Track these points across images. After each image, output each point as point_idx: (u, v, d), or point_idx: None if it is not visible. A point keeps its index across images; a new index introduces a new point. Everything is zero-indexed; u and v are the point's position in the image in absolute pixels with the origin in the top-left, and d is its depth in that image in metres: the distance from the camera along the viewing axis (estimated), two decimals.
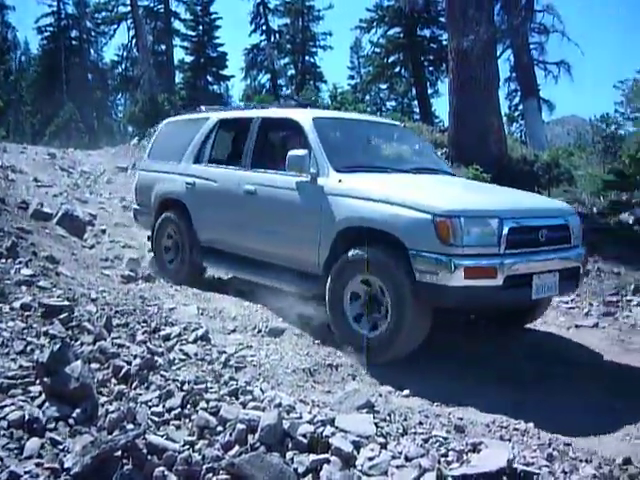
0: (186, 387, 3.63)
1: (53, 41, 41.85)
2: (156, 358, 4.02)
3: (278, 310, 5.77)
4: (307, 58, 40.67)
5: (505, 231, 4.62)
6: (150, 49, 35.80)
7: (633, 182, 11.14)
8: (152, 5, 38.68)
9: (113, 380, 3.70)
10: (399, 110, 33.14)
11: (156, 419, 3.27)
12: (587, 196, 11.79)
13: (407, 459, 3.03)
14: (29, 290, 4.84)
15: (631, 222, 10.79)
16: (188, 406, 3.43)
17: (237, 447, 3.03)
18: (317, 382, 4.41)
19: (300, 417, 3.32)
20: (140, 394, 3.54)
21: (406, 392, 4.37)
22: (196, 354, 4.32)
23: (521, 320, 6.05)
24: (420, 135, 11.39)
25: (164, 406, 3.42)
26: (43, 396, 3.24)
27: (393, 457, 3.04)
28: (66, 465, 2.71)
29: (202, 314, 5.59)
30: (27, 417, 3.01)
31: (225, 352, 4.50)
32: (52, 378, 3.25)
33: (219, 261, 6.78)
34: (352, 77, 42.47)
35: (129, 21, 37.23)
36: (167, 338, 4.61)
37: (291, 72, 41.09)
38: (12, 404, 3.13)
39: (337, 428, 3.24)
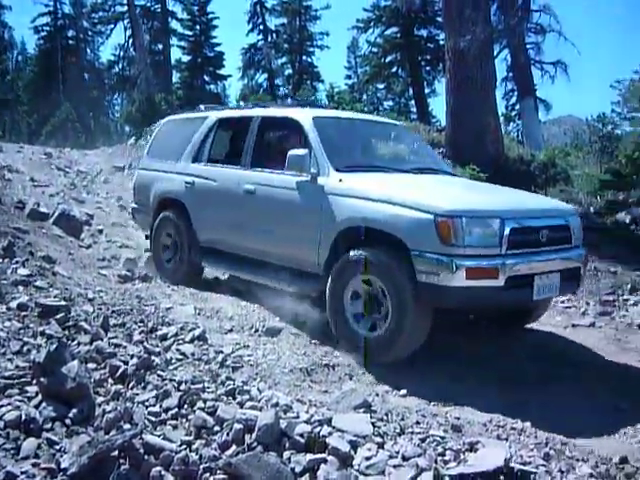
0: (183, 387, 3.62)
1: (50, 41, 41.75)
2: (153, 358, 4.02)
3: (275, 310, 5.76)
4: (304, 58, 40.63)
5: (507, 231, 4.61)
6: (147, 49, 35.76)
7: (630, 182, 11.17)
8: (149, 5, 38.65)
9: (110, 380, 3.70)
10: (396, 110, 33.15)
11: (153, 419, 3.27)
12: (584, 196, 11.82)
13: (404, 458, 3.04)
14: (26, 290, 4.84)
15: (628, 222, 10.82)
16: (185, 406, 3.42)
17: (234, 447, 3.03)
18: (314, 382, 4.41)
19: (297, 417, 3.33)
20: (137, 394, 3.54)
21: (403, 392, 4.37)
22: (193, 354, 4.32)
23: (522, 320, 6.04)
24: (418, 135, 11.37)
25: (161, 406, 3.42)
26: (40, 396, 3.24)
27: (390, 457, 3.04)
28: (63, 465, 2.70)
29: (199, 314, 5.59)
30: (24, 417, 3.01)
31: (222, 352, 4.50)
32: (49, 378, 3.24)
33: (218, 261, 6.75)
34: (349, 77, 42.49)
35: (126, 21, 37.15)
36: (164, 338, 4.61)
37: (288, 72, 41.07)
38: (9, 404, 3.13)
39: (334, 428, 3.24)
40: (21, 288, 4.84)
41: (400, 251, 4.73)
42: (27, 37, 74.66)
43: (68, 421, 3.10)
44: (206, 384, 3.72)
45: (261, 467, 2.81)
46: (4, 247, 5.79)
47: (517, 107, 27.50)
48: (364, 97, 33.52)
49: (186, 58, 40.67)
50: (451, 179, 6.31)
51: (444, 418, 3.84)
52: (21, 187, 10.60)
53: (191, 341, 4.61)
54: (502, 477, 2.94)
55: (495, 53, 14.74)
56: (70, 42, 42.97)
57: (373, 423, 3.40)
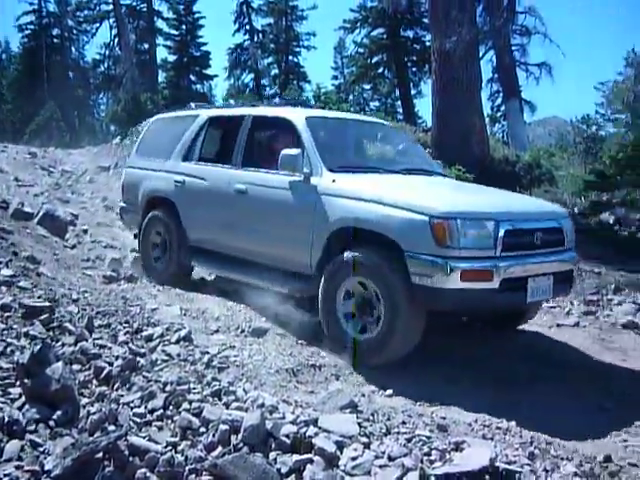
0: (169, 388, 3.61)
1: (34, 39, 41.46)
2: (138, 359, 4.00)
3: (261, 310, 5.75)
4: (291, 58, 40.63)
5: (501, 233, 4.59)
6: (133, 48, 35.60)
7: (614, 182, 11.27)
8: (135, 4, 38.49)
9: (94, 381, 3.68)
10: (382, 110, 33.18)
11: (138, 420, 3.25)
12: (568, 196, 11.93)
13: (390, 459, 3.04)
14: (9, 291, 4.79)
15: (611, 222, 10.94)
16: (171, 407, 3.41)
17: (220, 448, 3.03)
18: (300, 382, 4.40)
19: (283, 417, 3.32)
20: (122, 395, 3.52)
21: (389, 392, 4.38)
22: (179, 355, 4.30)
23: (515, 322, 6.05)
24: None
25: (146, 407, 3.40)
26: (23, 398, 3.22)
27: (376, 457, 3.05)
28: (46, 467, 2.68)
29: (185, 314, 5.56)
30: (7, 419, 2.98)
31: (208, 353, 4.48)
32: (32, 380, 3.22)
33: (208, 261, 6.69)
34: (336, 77, 42.53)
35: (111, 20, 37.00)
36: (149, 339, 4.58)
37: (275, 72, 41.05)
38: None
39: (320, 428, 3.24)
40: (4, 289, 4.80)
41: (394, 252, 4.70)
42: (11, 36, 74.19)
43: (52, 423, 3.08)
44: (192, 385, 3.71)
45: (247, 468, 2.81)
46: None
47: (502, 108, 27.69)
48: (350, 97, 33.63)
49: (172, 57, 40.58)
50: (443, 180, 6.33)
51: (430, 418, 3.85)
52: (5, 187, 10.52)
53: (177, 342, 4.58)
54: (487, 476, 2.95)
55: (481, 54, 14.83)
56: (55, 41, 42.70)
57: (359, 423, 3.40)
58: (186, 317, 5.49)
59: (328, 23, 75.99)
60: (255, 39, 39.98)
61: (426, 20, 25.30)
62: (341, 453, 3.05)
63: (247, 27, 39.86)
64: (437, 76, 13.33)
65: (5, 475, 2.61)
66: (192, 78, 41.05)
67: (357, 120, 7.37)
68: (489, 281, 4.53)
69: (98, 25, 38.28)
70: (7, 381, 3.36)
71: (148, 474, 2.78)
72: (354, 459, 3.00)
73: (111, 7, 36.42)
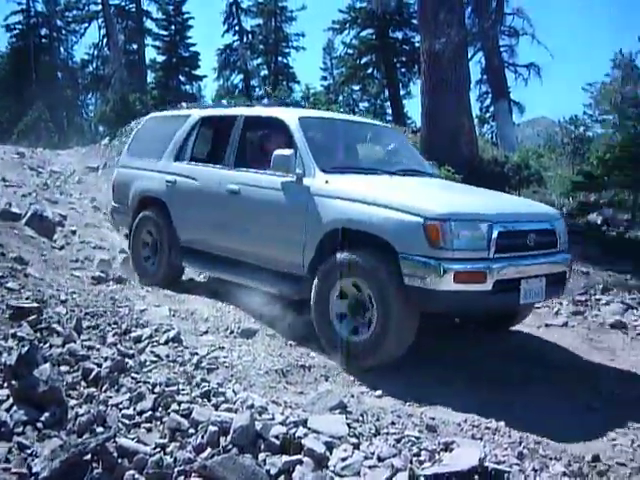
0: (157, 389, 3.60)
1: (22, 39, 41.17)
2: (127, 360, 3.98)
3: (251, 311, 5.74)
4: (280, 59, 40.54)
5: (495, 235, 4.58)
6: (121, 48, 35.43)
7: (601, 183, 11.33)
8: (123, 4, 38.27)
9: (83, 383, 3.66)
10: (372, 111, 33.25)
11: (127, 422, 3.24)
12: (556, 197, 11.98)
13: (380, 459, 3.05)
14: None
15: (599, 222, 11.00)
16: (159, 408, 3.40)
17: (209, 449, 3.02)
18: (290, 383, 4.40)
19: (273, 418, 3.32)
20: (110, 397, 3.51)
21: (379, 392, 4.38)
22: (168, 356, 4.28)
23: (507, 323, 6.06)
24: None
25: (135, 409, 3.39)
26: (11, 399, 3.20)
27: (366, 457, 3.05)
28: (34, 470, 2.67)
29: (174, 315, 5.55)
30: None
31: (197, 354, 4.47)
32: (20, 381, 3.21)
33: (199, 262, 6.66)
34: (325, 78, 42.47)
35: (100, 20, 36.78)
36: (138, 340, 4.57)
37: (264, 73, 40.93)
38: None
39: (310, 429, 3.24)
40: None
41: (387, 254, 4.68)
42: None
43: (40, 425, 3.06)
44: (181, 386, 3.70)
45: (236, 469, 2.81)
46: None
47: (491, 109, 27.78)
48: (340, 98, 33.58)
49: (161, 58, 40.39)
50: (436, 181, 6.33)
51: (419, 418, 3.86)
52: None
53: (166, 343, 4.57)
54: (477, 476, 2.96)
55: (469, 56, 14.94)
56: (43, 41, 42.43)
57: (349, 424, 3.41)
58: (175, 318, 5.48)
59: (317, 24, 76.24)
60: (244, 40, 39.89)
61: (415, 21, 25.41)
62: (330, 454, 3.06)
63: (236, 28, 39.77)
64: (426, 77, 13.35)
65: None
66: (181, 79, 40.89)
67: (350, 121, 7.37)
68: (482, 283, 4.52)
69: (87, 25, 38.10)
70: None
71: (137, 476, 2.77)
72: (343, 460, 3.00)
73: (100, 7, 36.21)
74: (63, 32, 42.56)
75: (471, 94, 14.47)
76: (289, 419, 3.31)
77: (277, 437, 3.12)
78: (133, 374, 3.80)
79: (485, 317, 5.82)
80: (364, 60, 31.45)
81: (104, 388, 3.61)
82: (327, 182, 5.31)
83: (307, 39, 44.07)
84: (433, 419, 3.90)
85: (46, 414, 3.12)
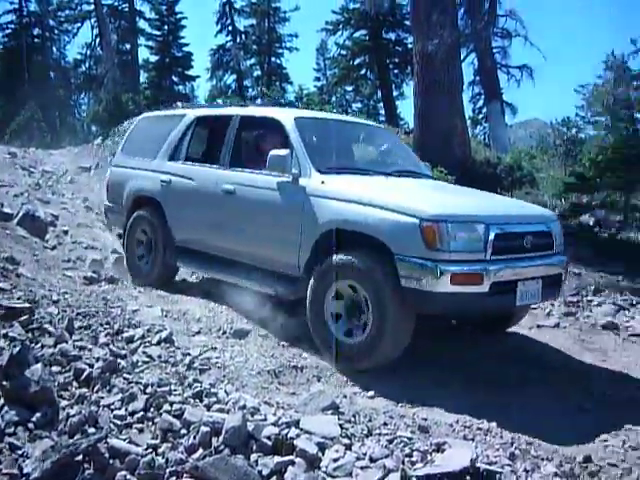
0: (149, 390, 3.59)
1: (14, 39, 41.00)
2: (119, 360, 3.98)
3: (243, 311, 5.73)
4: (273, 59, 40.50)
5: (491, 237, 4.58)
6: (114, 48, 35.35)
7: (593, 185, 11.37)
8: (116, 4, 38.18)
9: (74, 383, 3.65)
10: (365, 112, 33.25)
11: (118, 422, 3.23)
12: (549, 198, 12.02)
13: (372, 460, 3.05)
14: None
15: (591, 224, 11.06)
16: (151, 409, 3.39)
17: (201, 450, 3.02)
18: (282, 384, 4.40)
19: (265, 419, 3.32)
20: (102, 397, 3.50)
21: (371, 393, 4.38)
22: (160, 356, 4.28)
23: (503, 325, 6.06)
24: None
25: (127, 409, 3.38)
26: (2, 400, 3.18)
27: (358, 458, 3.06)
28: (25, 470, 2.66)
29: (166, 316, 5.54)
30: None
31: (189, 354, 4.46)
32: (11, 381, 3.19)
33: (194, 262, 6.63)
34: (318, 79, 42.45)
35: (93, 19, 36.69)
36: (130, 340, 4.56)
37: (257, 73, 40.89)
38: None
39: (302, 430, 3.24)
40: None
41: (383, 255, 4.67)
42: None
43: (31, 425, 3.05)
44: (173, 387, 3.69)
45: (228, 470, 2.80)
46: None
47: (484, 110, 27.82)
48: (333, 99, 33.56)
49: (154, 58, 40.27)
50: (433, 183, 6.33)
51: (411, 419, 3.86)
52: None
53: (158, 343, 4.56)
54: (468, 477, 2.97)
55: (462, 57, 14.94)
56: (36, 40, 42.26)
57: (341, 425, 3.41)
58: (167, 318, 5.47)
59: (310, 25, 76.21)
60: (237, 40, 39.85)
61: (408, 22, 25.41)
62: (323, 455, 3.06)
63: (229, 28, 39.73)
64: (419, 78, 13.37)
65: None
66: (174, 79, 40.79)
67: (346, 121, 7.36)
68: (479, 284, 4.51)
69: (79, 25, 37.95)
70: None
71: (128, 477, 2.77)
72: (335, 460, 3.01)
73: (92, 7, 36.11)
74: (56, 32, 42.38)
75: (464, 95, 14.49)
76: (281, 420, 3.31)
77: (269, 438, 3.12)
78: (125, 374, 3.79)
79: (481, 319, 5.83)
80: (357, 61, 31.47)
81: (96, 389, 3.60)
82: (323, 182, 5.30)
83: (300, 40, 44.01)
84: (425, 420, 3.90)
85: (37, 415, 3.10)
